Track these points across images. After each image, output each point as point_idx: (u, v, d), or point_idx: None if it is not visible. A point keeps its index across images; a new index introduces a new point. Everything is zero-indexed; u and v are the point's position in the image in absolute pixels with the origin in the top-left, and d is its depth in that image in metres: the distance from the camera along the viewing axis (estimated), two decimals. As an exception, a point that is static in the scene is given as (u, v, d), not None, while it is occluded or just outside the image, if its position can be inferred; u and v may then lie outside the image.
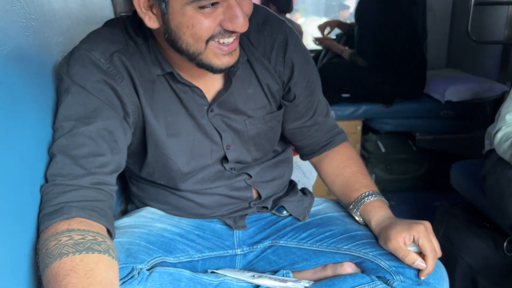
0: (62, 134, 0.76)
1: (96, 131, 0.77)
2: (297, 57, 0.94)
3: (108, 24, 0.88)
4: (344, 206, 1.08)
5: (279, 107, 0.99)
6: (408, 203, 2.33)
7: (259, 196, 1.02)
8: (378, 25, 2.22)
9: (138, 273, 0.77)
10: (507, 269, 1.33)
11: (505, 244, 1.35)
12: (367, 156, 2.38)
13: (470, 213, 1.53)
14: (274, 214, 1.04)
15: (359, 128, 2.30)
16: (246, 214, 1.01)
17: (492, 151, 1.43)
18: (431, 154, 2.40)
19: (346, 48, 2.43)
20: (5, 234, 0.60)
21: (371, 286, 0.86)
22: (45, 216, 0.69)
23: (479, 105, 2.29)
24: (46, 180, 0.74)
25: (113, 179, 0.79)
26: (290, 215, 1.03)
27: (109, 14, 1.47)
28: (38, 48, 0.80)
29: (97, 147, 0.76)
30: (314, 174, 1.56)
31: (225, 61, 0.80)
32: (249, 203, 1.02)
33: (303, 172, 1.52)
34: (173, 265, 0.88)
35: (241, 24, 0.74)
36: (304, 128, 1.04)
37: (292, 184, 1.13)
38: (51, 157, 0.76)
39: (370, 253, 0.90)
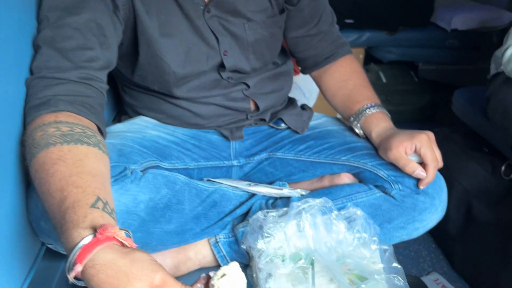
0: (47, 25, 0.71)
1: (84, 22, 0.72)
2: None
3: None
4: (344, 122, 1.05)
5: (282, 12, 0.93)
6: (406, 135, 2.30)
7: (257, 108, 0.99)
8: None
9: (131, 172, 0.75)
10: (503, 193, 1.33)
11: (503, 167, 1.34)
12: (367, 86, 2.33)
13: (470, 139, 1.51)
14: (272, 127, 1.02)
15: (361, 56, 2.22)
16: (243, 126, 0.99)
17: (498, 75, 1.38)
18: (433, 85, 2.34)
19: None
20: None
21: (369, 194, 0.85)
22: (31, 109, 0.66)
23: (485, 35, 2.20)
24: (31, 73, 0.70)
25: (103, 75, 0.75)
26: (288, 128, 1.00)
27: None
28: None
29: (85, 40, 0.72)
30: (314, 95, 1.52)
31: None
32: (247, 115, 0.98)
33: (303, 93, 1.48)
34: (169, 170, 0.86)
35: None
36: (308, 37, 0.99)
37: (291, 100, 1.09)
38: (36, 49, 0.71)
39: (369, 163, 0.89)
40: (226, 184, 0.90)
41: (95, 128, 0.69)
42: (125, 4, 0.78)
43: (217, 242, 0.85)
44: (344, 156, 0.92)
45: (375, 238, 0.78)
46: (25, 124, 0.66)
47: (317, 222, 0.78)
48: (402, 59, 2.27)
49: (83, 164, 0.59)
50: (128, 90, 0.98)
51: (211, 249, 0.86)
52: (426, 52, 2.25)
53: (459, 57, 2.24)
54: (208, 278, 0.54)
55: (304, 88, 1.50)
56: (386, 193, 0.85)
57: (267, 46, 0.94)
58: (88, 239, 0.49)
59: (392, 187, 0.85)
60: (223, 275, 0.53)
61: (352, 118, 0.96)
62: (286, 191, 0.88)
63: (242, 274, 0.54)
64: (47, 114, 0.64)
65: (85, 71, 0.70)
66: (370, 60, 2.35)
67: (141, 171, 0.77)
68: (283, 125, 1.00)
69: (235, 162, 0.98)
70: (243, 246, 0.83)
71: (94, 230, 0.50)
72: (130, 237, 0.53)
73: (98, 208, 0.54)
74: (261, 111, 0.99)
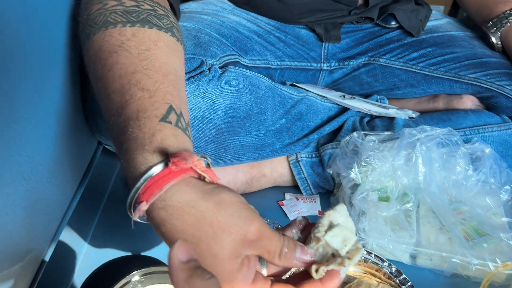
0: None
1: None
2: None
3: None
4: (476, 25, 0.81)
5: None
6: None
7: (366, 4, 0.77)
8: None
9: (209, 69, 0.59)
10: None
11: None
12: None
13: None
14: (379, 25, 0.80)
15: None
16: (343, 23, 0.78)
17: None
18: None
19: None
20: None
21: (502, 128, 0.66)
22: None
23: None
24: None
25: None
26: (400, 27, 0.79)
27: None
28: None
29: None
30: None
31: None
32: (350, 11, 0.77)
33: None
34: (248, 68, 0.70)
35: None
36: None
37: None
38: None
39: (508, 87, 0.68)
40: (313, 93, 0.73)
41: (167, 4, 0.52)
42: None
43: (298, 161, 0.71)
44: (473, 73, 0.71)
45: (507, 187, 0.60)
46: None
47: (433, 158, 0.61)
48: None
49: (151, 56, 0.42)
50: None
51: (290, 168, 0.72)
52: None
53: None
54: (307, 223, 0.40)
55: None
56: (525, 129, 0.66)
57: None
58: (157, 168, 0.35)
59: (537, 123, 0.65)
60: (331, 225, 0.39)
61: (490, 24, 0.73)
62: (392, 111, 0.70)
63: (353, 224, 0.40)
64: None
65: None
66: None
67: (219, 67, 0.61)
68: (393, 22, 0.78)
69: (325, 66, 0.80)
70: (329, 171, 0.69)
71: (166, 155, 0.36)
72: (210, 167, 0.38)
73: (171, 122, 0.38)
74: (371, 6, 0.77)
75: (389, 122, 0.71)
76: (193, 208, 0.33)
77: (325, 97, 0.73)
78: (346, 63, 0.80)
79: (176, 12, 0.55)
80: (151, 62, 0.42)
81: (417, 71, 0.76)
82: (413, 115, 0.71)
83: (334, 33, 0.78)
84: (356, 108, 0.72)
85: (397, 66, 0.77)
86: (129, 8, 0.45)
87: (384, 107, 0.72)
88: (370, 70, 0.79)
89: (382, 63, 0.78)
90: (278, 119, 0.66)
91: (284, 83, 0.77)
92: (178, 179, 0.34)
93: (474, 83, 0.71)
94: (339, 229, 0.38)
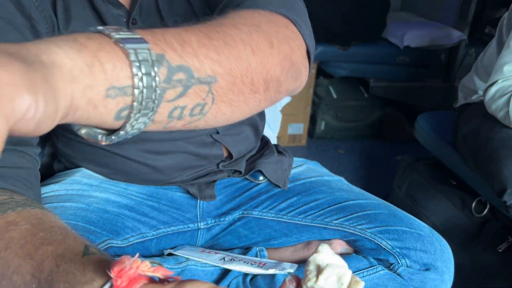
0: None
1: None
2: None
3: None
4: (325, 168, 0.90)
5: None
6: (357, 152, 2.25)
7: (229, 155, 0.81)
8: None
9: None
10: (474, 230, 1.27)
11: (473, 204, 1.28)
12: (317, 101, 2.23)
13: (436, 170, 1.44)
14: (247, 179, 0.84)
15: (313, 71, 2.12)
16: (215, 181, 0.81)
17: (467, 105, 1.32)
18: (383, 102, 2.30)
19: None
20: None
21: (371, 272, 0.71)
22: None
23: (434, 53, 2.19)
24: None
25: (35, 139, 0.54)
26: (267, 180, 0.84)
27: None
28: None
29: None
30: (278, 122, 1.37)
31: None
32: (218, 165, 0.80)
33: (267, 123, 1.33)
34: (122, 249, 0.67)
35: None
36: None
37: (264, 140, 0.92)
38: None
39: (368, 230, 0.75)
40: (193, 259, 0.72)
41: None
42: (49, 29, 0.58)
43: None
44: (336, 218, 0.77)
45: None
46: None
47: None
48: (353, 75, 2.21)
49: (45, 221, 0.43)
50: (61, 137, 0.75)
51: None
52: (377, 68, 2.20)
53: (409, 74, 2.22)
54: (297, 281, 0.36)
55: (268, 117, 1.34)
56: (391, 269, 0.72)
57: None
58: None
59: (398, 262, 0.72)
60: (320, 269, 0.35)
61: None
62: (271, 271, 0.71)
63: (342, 260, 0.36)
64: None
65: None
66: (320, 75, 2.26)
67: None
68: (261, 177, 0.83)
69: (202, 224, 0.80)
70: None
71: (106, 276, 0.34)
72: (159, 265, 0.34)
73: (94, 253, 0.37)
74: (235, 158, 0.81)
75: (270, 279, 0.72)
76: None
77: (206, 262, 0.72)
78: (222, 219, 0.81)
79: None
80: (47, 224, 0.43)
81: (288, 220, 0.80)
82: (291, 270, 0.73)
83: (208, 192, 0.80)
84: (238, 270, 0.72)
85: (269, 218, 0.80)
86: (4, 200, 0.46)
87: (264, 265, 0.73)
88: (245, 223, 0.81)
89: (255, 216, 0.81)
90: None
91: (162, 253, 0.75)
92: None
93: (339, 228, 0.77)
94: (330, 269, 0.34)
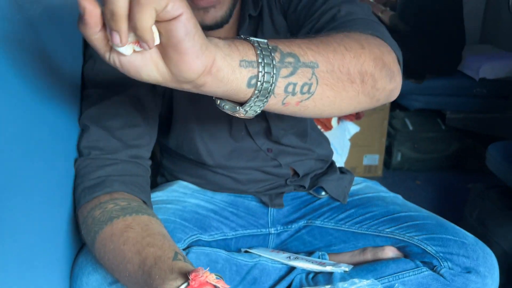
0: (92, 103, 0.72)
1: (128, 99, 0.72)
2: None
3: None
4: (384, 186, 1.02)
5: None
6: (434, 183, 2.26)
7: (296, 174, 0.97)
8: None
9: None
10: (546, 256, 1.27)
11: (545, 230, 1.29)
12: (393, 133, 2.31)
13: (507, 197, 1.46)
14: (311, 194, 0.99)
15: (387, 104, 2.21)
16: (283, 192, 0.97)
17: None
18: (461, 133, 2.31)
19: (387, 9, 2.32)
20: (41, 210, 0.56)
21: (416, 273, 0.82)
22: (85, 190, 0.66)
23: (513, 84, 2.18)
24: (81, 153, 0.70)
25: (148, 152, 0.76)
26: (329, 195, 0.98)
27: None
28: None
29: (130, 117, 0.72)
30: (346, 150, 1.50)
31: (199, 18, 0.72)
32: (286, 181, 0.97)
33: (335, 149, 1.47)
34: (208, 243, 0.85)
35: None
36: None
37: (330, 162, 1.07)
38: (83, 128, 0.71)
39: (415, 237, 0.85)
40: (265, 257, 0.87)
41: (147, 206, 0.70)
42: None
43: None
44: (388, 227, 0.89)
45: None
46: (76, 205, 0.66)
47: (364, 305, 0.74)
48: (428, 107, 2.26)
49: (150, 227, 0.61)
50: (166, 155, 0.97)
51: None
52: (453, 100, 2.23)
53: (488, 105, 2.22)
54: None
55: (336, 144, 1.49)
56: (435, 271, 0.81)
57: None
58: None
59: (441, 264, 0.81)
60: None
61: None
62: (328, 268, 0.85)
63: None
64: (102, 195, 0.65)
65: (134, 150, 0.72)
66: (396, 107, 2.34)
67: (183, 249, 0.76)
68: (323, 193, 0.98)
69: (272, 230, 0.96)
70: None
71: (185, 278, 0.50)
72: (221, 278, 0.52)
73: (180, 260, 0.55)
74: (301, 176, 0.97)
75: (329, 276, 0.85)
76: None
77: (275, 259, 0.88)
78: (289, 226, 0.96)
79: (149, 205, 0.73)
80: (152, 231, 0.61)
81: (346, 229, 0.93)
82: (347, 269, 0.85)
83: (278, 201, 0.96)
84: (301, 266, 0.86)
85: (330, 226, 0.94)
86: (124, 206, 0.64)
87: (323, 264, 0.87)
88: (309, 231, 0.96)
89: (318, 225, 0.95)
90: (236, 286, 0.79)
91: (239, 251, 0.92)
92: None
93: (391, 236, 0.88)
94: None
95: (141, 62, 0.41)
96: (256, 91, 0.47)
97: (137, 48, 0.40)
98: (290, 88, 0.50)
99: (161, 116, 0.85)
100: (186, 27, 0.39)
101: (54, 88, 0.64)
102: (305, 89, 0.51)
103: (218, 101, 0.51)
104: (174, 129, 0.87)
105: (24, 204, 0.52)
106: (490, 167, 1.57)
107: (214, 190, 0.95)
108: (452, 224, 0.87)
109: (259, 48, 0.47)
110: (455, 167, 2.36)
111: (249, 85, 0.47)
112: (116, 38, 0.38)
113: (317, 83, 0.52)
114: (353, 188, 1.01)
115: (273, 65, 0.47)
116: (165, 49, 0.40)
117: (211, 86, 0.45)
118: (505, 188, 1.49)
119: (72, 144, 0.70)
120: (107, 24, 0.38)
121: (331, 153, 1.06)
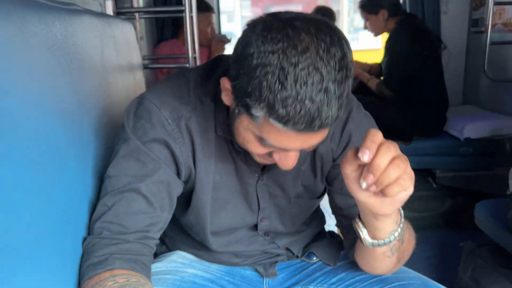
0: (116, 187, 0.76)
1: (149, 189, 0.77)
2: (356, 130, 0.87)
3: (173, 77, 0.86)
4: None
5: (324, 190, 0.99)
6: (430, 242, 2.29)
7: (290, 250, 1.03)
8: (407, 56, 2.24)
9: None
10: (540, 313, 1.29)
11: (536, 287, 1.32)
12: (386, 193, 2.36)
13: (498, 254, 1.50)
14: (304, 261, 1.04)
15: (379, 165, 2.29)
16: (277, 262, 1.02)
17: (519, 192, 1.42)
18: (452, 191, 2.38)
19: (373, 77, 2.46)
20: (47, 284, 0.61)
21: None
22: (90, 266, 0.71)
23: (498, 142, 2.28)
24: (93, 230, 0.75)
25: (158, 234, 0.80)
26: (320, 260, 1.03)
27: (137, 60, 1.52)
28: (78, 100, 0.82)
29: (148, 205, 0.77)
30: (338, 215, 1.55)
31: (268, 163, 0.79)
32: (279, 253, 1.02)
33: (327, 212, 1.52)
34: (205, 313, 0.89)
35: (289, 167, 0.74)
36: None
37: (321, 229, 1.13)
38: (101, 206, 0.76)
39: (404, 297, 0.90)
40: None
41: (146, 280, 0.73)
42: (187, 169, 0.83)
43: None
44: (377, 289, 0.93)
45: None
46: (80, 281, 0.71)
47: None
48: (418, 167, 2.33)
49: None
50: (171, 224, 1.01)
51: None
52: (442, 160, 2.32)
53: (476, 163, 2.30)
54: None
55: (328, 208, 1.54)
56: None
57: (306, 212, 1.00)
58: None
59: (429, 327, 0.85)
60: None
61: None
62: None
63: None
64: (103, 272, 0.69)
65: (144, 234, 0.76)
66: (387, 168, 2.41)
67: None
68: (315, 258, 1.03)
69: (268, 298, 1.00)
70: None
71: None
72: None
73: None
74: (295, 255, 1.03)
75: None
76: None
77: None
78: (285, 293, 1.01)
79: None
80: None
81: (338, 293, 0.97)
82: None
83: (271, 271, 1.01)
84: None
85: (323, 290, 0.98)
86: (122, 283, 0.68)
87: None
88: (304, 298, 1.00)
89: (312, 290, 0.99)
90: None
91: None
92: None
93: (380, 297, 0.93)
94: None
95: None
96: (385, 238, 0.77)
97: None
98: (393, 248, 0.81)
99: (179, 196, 0.87)
100: (404, 199, 0.69)
101: (65, 169, 0.71)
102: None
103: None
104: (189, 212, 0.90)
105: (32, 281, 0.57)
106: (479, 225, 1.61)
107: (212, 261, 1.00)
108: (437, 284, 0.92)
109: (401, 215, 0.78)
110: (449, 225, 2.40)
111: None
112: (370, 179, 0.62)
113: (392, 255, 0.82)
114: (343, 251, 1.06)
115: (401, 235, 0.79)
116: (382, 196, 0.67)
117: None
118: (496, 245, 1.53)
119: (80, 222, 0.76)
120: (370, 171, 0.62)
121: (324, 220, 1.12)
